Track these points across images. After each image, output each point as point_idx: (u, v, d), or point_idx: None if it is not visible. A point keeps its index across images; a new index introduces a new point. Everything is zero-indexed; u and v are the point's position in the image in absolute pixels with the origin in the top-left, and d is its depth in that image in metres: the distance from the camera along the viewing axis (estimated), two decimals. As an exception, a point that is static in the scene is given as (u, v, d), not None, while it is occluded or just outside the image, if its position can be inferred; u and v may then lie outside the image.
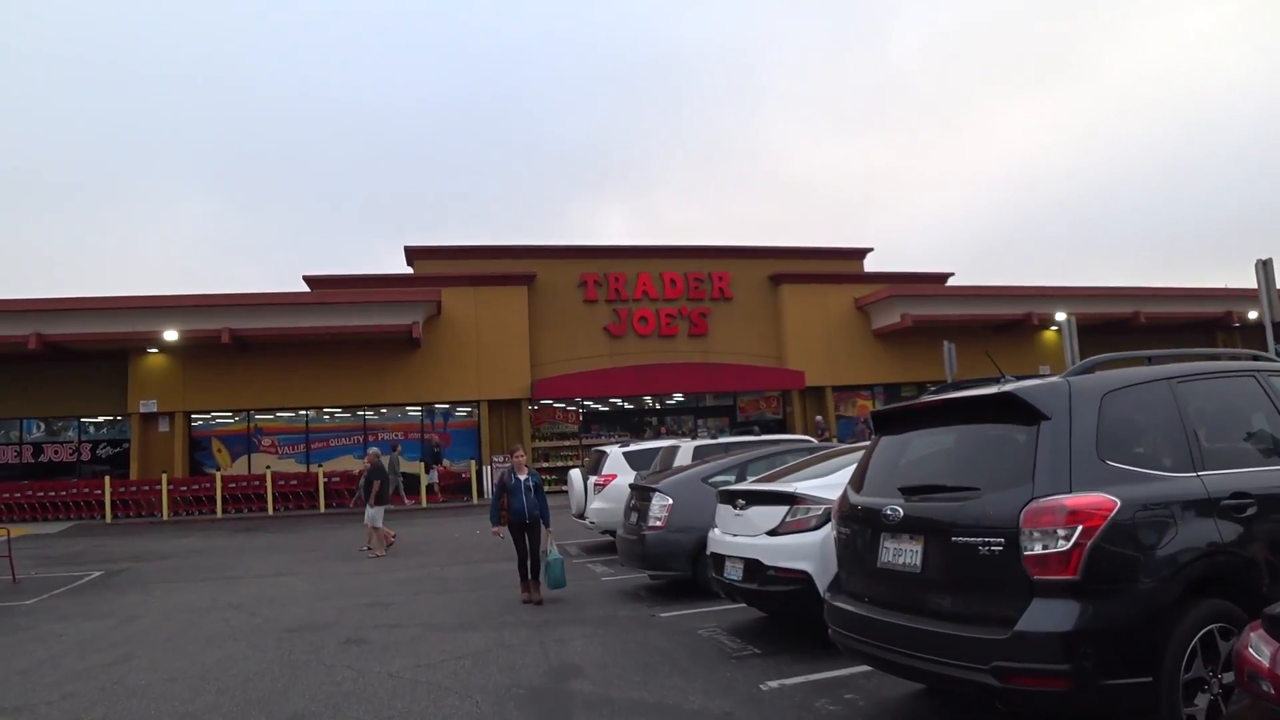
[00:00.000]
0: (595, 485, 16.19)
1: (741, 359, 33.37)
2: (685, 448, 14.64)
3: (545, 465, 31.44)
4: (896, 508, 5.14)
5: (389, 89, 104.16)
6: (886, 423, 5.98)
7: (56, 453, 30.56)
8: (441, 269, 31.29)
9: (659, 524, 10.80)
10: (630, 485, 12.22)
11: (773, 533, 7.80)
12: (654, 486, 11.14)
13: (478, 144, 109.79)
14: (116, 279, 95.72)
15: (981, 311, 34.65)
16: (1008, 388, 4.95)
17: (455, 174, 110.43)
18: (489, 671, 7.90)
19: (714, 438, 15.33)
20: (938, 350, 35.44)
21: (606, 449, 16.89)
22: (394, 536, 18.35)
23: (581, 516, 16.62)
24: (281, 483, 28.42)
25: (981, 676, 4.46)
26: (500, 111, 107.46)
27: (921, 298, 34.02)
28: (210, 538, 22.13)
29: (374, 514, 17.78)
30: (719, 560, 8.57)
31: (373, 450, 19.15)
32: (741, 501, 8.33)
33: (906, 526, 5.06)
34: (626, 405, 34.38)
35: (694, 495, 10.97)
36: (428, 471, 29.38)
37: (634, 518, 11.44)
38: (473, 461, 29.63)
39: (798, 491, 7.75)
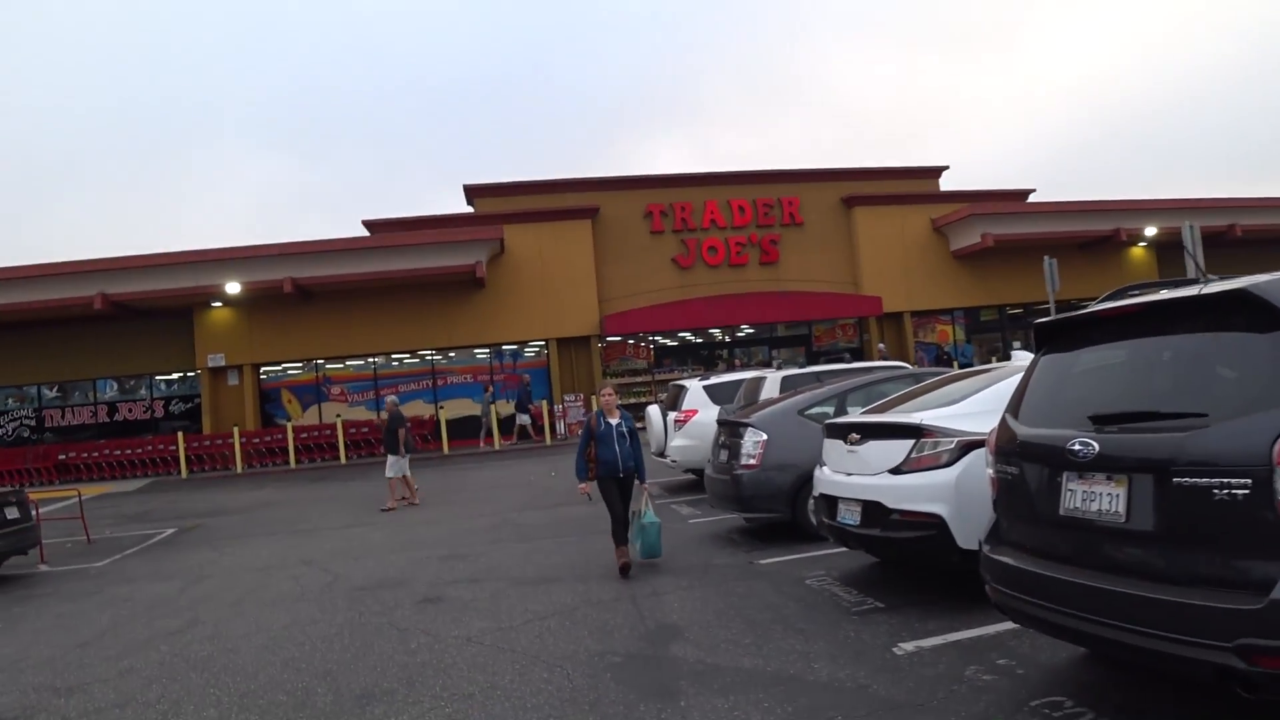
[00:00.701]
0: (675, 422, 15.31)
1: (815, 286, 32.10)
2: (771, 379, 13.63)
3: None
4: (1089, 441, 4.07)
5: (443, 34, 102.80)
6: (1055, 336, 4.89)
7: (131, 411, 30.56)
8: (503, 206, 30.40)
9: (753, 462, 9.86)
10: (719, 421, 11.27)
11: (896, 470, 6.79)
12: (746, 421, 10.18)
13: (532, 87, 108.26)
14: (180, 239, 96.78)
15: (1066, 229, 32.85)
16: (1239, 284, 3.83)
17: (511, 119, 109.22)
18: (578, 634, 7.07)
19: (801, 367, 14.28)
20: (1021, 271, 33.92)
21: (685, 383, 15.96)
22: (413, 493, 17.28)
23: (662, 455, 15.77)
24: (352, 431, 28.08)
25: (1220, 656, 3.42)
26: (551, 52, 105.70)
27: (1003, 215, 32.30)
28: (283, 489, 21.77)
29: (398, 465, 16.88)
30: (829, 503, 7.60)
31: (391, 399, 18.32)
32: (856, 436, 7.32)
33: (1103, 464, 4.00)
34: (695, 339, 33.34)
35: (790, 430, 10.01)
36: (522, 412, 28.74)
37: (724, 456, 10.52)
38: (544, 402, 28.94)
39: (924, 423, 6.71)
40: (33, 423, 30.48)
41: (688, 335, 33.10)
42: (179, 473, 27.05)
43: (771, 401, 11.35)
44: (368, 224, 30.07)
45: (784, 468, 9.80)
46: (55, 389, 30.69)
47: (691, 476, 16.38)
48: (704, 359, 32.49)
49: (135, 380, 30.73)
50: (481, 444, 28.52)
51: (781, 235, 32.31)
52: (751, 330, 33.50)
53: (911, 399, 8.01)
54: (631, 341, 31.71)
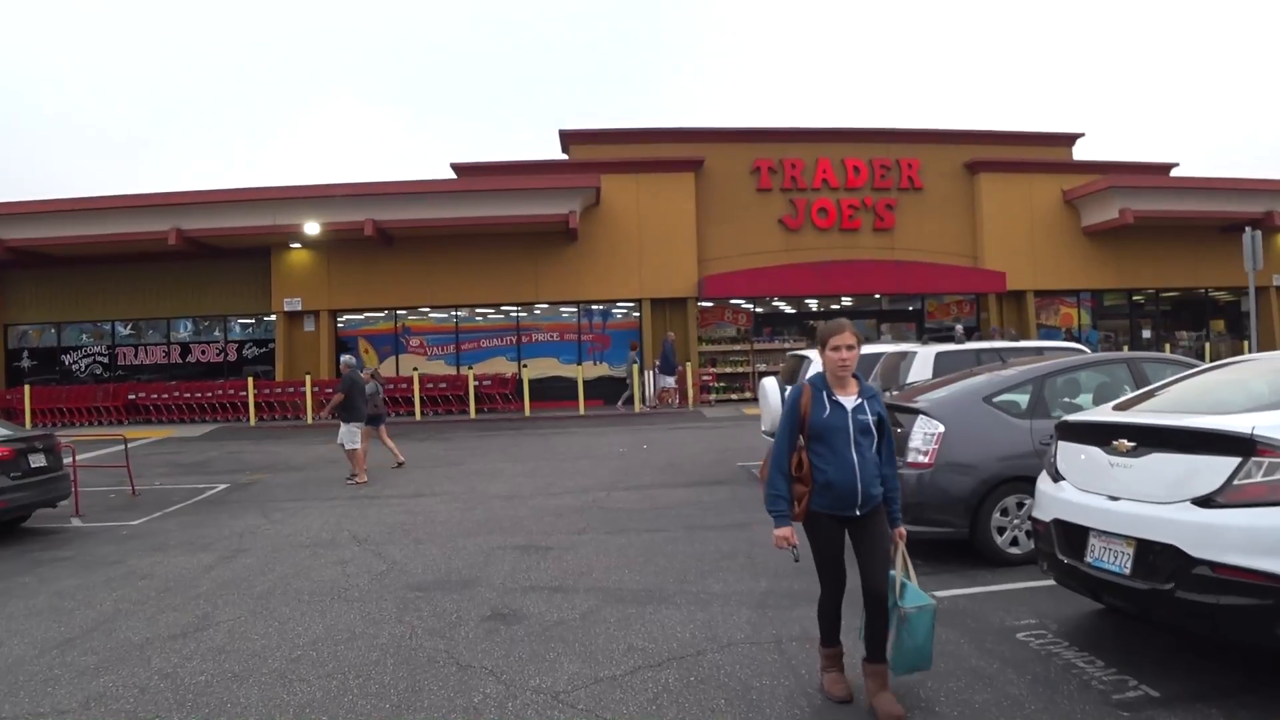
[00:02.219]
0: (795, 399, 13.07)
1: (932, 257, 29.40)
2: (922, 355, 11.33)
3: (713, 371, 28.48)
4: None
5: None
6: None
7: (204, 353, 29.33)
8: (600, 154, 28.22)
9: (924, 460, 7.64)
10: (870, 403, 9.04)
11: (1205, 501, 4.51)
12: (914, 407, 7.96)
13: (632, 32, 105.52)
14: (262, 178, 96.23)
15: (1213, 208, 29.51)
16: None
17: (614, 64, 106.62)
18: (710, 702, 5.00)
19: (960, 342, 11.96)
20: (1157, 251, 30.81)
21: (808, 354, 13.72)
22: (396, 463, 15.62)
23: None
24: (430, 385, 26.41)
25: None
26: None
27: (1145, 190, 29.06)
28: (351, 445, 20.11)
29: (346, 433, 14.81)
30: (1071, 534, 5.38)
31: (346, 359, 15.86)
32: (1127, 443, 5.05)
33: None
34: (787, 308, 30.78)
35: (974, 421, 7.76)
36: (667, 374, 26.80)
37: (879, 448, 8.30)
38: (635, 366, 26.91)
39: (1260, 434, 4.41)
40: (106, 360, 29.45)
41: (781, 304, 30.58)
42: (248, 419, 25.70)
43: (933, 385, 9.08)
44: (456, 167, 28.20)
45: (965, 469, 7.58)
46: (130, 327, 29.60)
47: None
48: (807, 329, 30.03)
49: (210, 321, 29.48)
50: (620, 407, 26.70)
51: (898, 200, 29.62)
52: (850, 302, 30.89)
53: (1183, 394, 5.72)
54: (731, 305, 29.42)
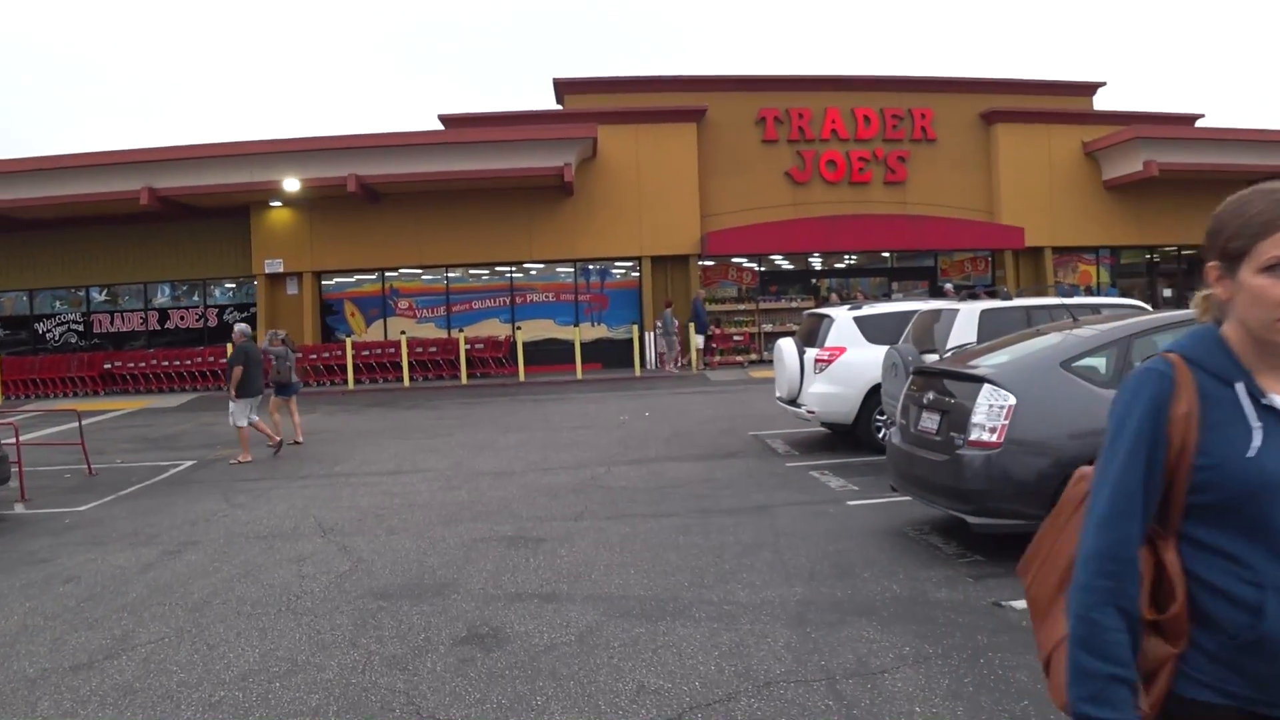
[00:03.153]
0: (816, 362, 11.81)
1: (946, 211, 27.94)
2: (965, 313, 9.99)
3: (716, 332, 27.13)
4: None
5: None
6: None
7: (183, 318, 27.96)
8: (597, 104, 26.65)
9: (991, 438, 6.33)
10: (916, 371, 7.71)
11: None
12: (978, 374, 6.65)
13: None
14: (240, 132, 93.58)
15: (1242, 161, 27.96)
16: None
17: (607, 9, 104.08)
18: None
19: (1006, 298, 10.61)
20: (1180, 207, 29.38)
21: (830, 312, 12.42)
22: (277, 439, 14.06)
23: (793, 402, 12.32)
24: (419, 350, 25.07)
25: None
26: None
27: (1170, 141, 27.56)
28: (333, 415, 18.85)
29: (236, 410, 13.57)
30: None
31: (239, 328, 14.41)
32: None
33: None
34: (793, 266, 29.23)
35: (1051, 391, 6.45)
36: (700, 333, 25.60)
37: (928, 422, 7.00)
38: (634, 326, 25.54)
39: None
40: (81, 328, 28.08)
41: (784, 262, 29.04)
42: (228, 388, 24.33)
43: (989, 348, 7.75)
44: (444, 119, 26.67)
45: (1040, 449, 6.28)
46: (105, 292, 28.21)
47: (823, 430, 13.00)
48: (813, 288, 28.60)
49: (189, 285, 28.08)
50: (668, 367, 25.42)
51: (911, 152, 28.12)
52: (854, 260, 29.39)
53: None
54: (735, 263, 27.99)
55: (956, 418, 6.66)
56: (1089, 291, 29.16)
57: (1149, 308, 10.17)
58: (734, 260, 27.91)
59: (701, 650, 5.10)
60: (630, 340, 25.33)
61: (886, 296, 25.55)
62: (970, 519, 6.43)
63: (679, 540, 7.64)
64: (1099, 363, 6.67)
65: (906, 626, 5.35)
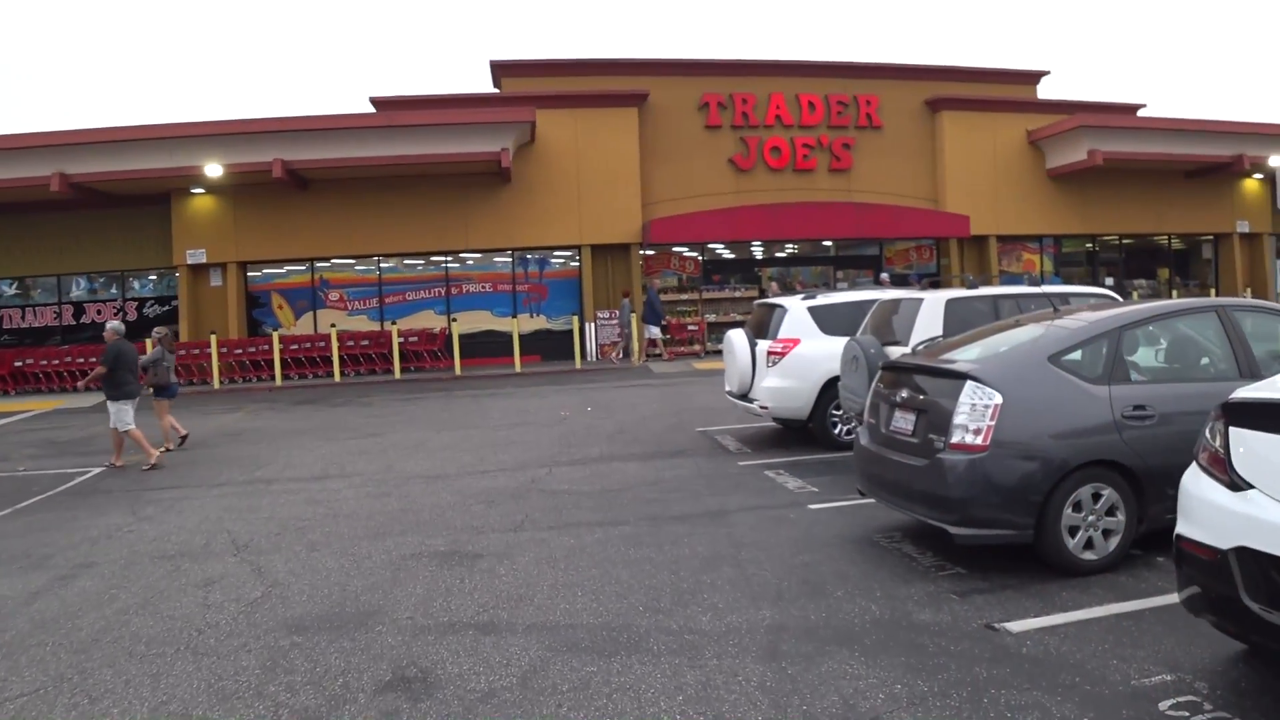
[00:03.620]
0: (769, 354, 11.21)
1: (891, 199, 27.56)
2: (930, 303, 9.40)
3: (672, 322, 26.44)
4: None
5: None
6: None
7: (100, 313, 26.49)
8: (535, 88, 25.79)
9: (976, 441, 5.74)
10: (888, 366, 7.08)
11: None
12: (959, 370, 6.04)
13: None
14: (158, 115, 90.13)
15: (1184, 151, 28.10)
16: None
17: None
18: None
19: (974, 286, 10.06)
20: (1123, 196, 29.44)
21: (782, 302, 11.81)
22: (167, 446, 13.53)
23: (744, 397, 11.70)
24: (350, 343, 24.05)
25: None
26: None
27: (1114, 130, 27.47)
28: (259, 414, 17.85)
29: (116, 413, 12.61)
30: (1276, 573, 3.49)
31: (111, 326, 13.23)
32: None
33: None
34: (737, 255, 28.63)
35: (1039, 388, 5.89)
36: (653, 324, 24.93)
37: (906, 423, 6.40)
38: (574, 317, 24.76)
39: None
40: (-10, 323, 26.60)
41: (725, 252, 28.39)
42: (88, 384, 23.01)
43: (964, 341, 7.17)
44: (376, 101, 25.62)
45: (1029, 452, 5.71)
46: (15, 285, 26.71)
47: (774, 425, 12.42)
48: (757, 277, 28.05)
49: (106, 278, 26.69)
50: (613, 356, 25.08)
51: (856, 139, 27.69)
52: (795, 248, 28.92)
53: None
54: (678, 252, 27.33)
55: (935, 418, 6.06)
56: (1033, 282, 29.05)
57: (1119, 297, 9.70)
58: (676, 249, 27.26)
59: (664, 694, 4.42)
60: (570, 331, 24.56)
61: (827, 286, 25.02)
62: (952, 529, 5.84)
63: (630, 554, 6.96)
64: (1089, 357, 6.10)
65: (893, 658, 4.73)
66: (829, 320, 11.33)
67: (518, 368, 23.57)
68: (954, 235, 27.67)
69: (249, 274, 25.82)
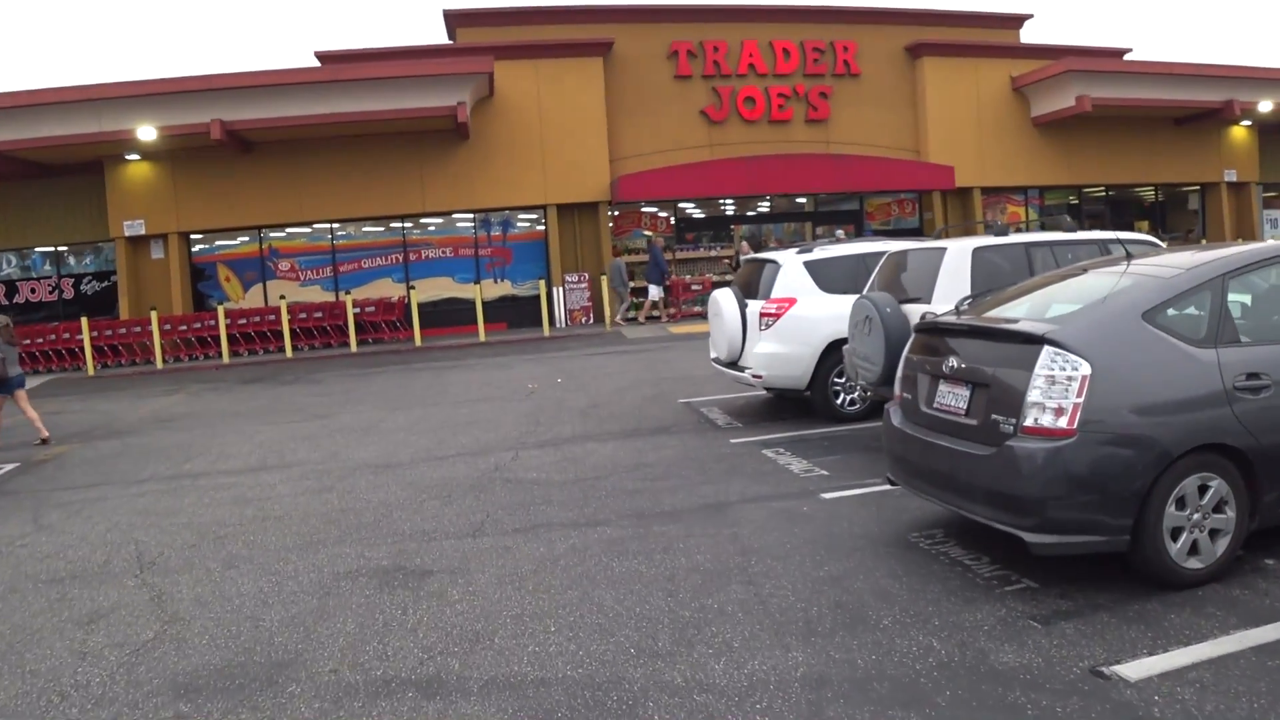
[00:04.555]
0: (762, 316, 9.92)
1: (871, 150, 26.26)
2: (954, 254, 8.04)
3: (631, 285, 25.18)
4: None
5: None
6: None
7: (34, 291, 24.80)
8: (493, 38, 24.17)
9: (1061, 422, 4.47)
10: (927, 328, 5.75)
11: None
12: (1035, 332, 4.74)
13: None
14: (84, 75, 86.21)
15: (1174, 96, 26.97)
16: None
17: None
18: None
19: (1001, 234, 8.74)
20: (1109, 146, 28.30)
21: (776, 257, 10.48)
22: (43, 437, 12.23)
23: (734, 365, 10.43)
24: (303, 315, 22.54)
25: None
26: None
27: (1104, 75, 26.21)
28: (200, 395, 16.39)
29: None
30: None
31: None
32: None
33: None
34: (708, 213, 27.27)
35: (1137, 356, 4.62)
36: (655, 284, 23.92)
37: (958, 399, 5.12)
38: (541, 281, 23.32)
39: None
40: (-88, 304, 24.79)
41: (696, 210, 26.98)
42: (87, 368, 21.51)
43: (1015, 294, 5.89)
44: (321, 56, 23.94)
45: (1128, 436, 4.46)
46: (-62, 262, 24.94)
47: (764, 394, 11.17)
48: (732, 236, 26.69)
49: (39, 254, 24.90)
50: (620, 320, 23.95)
51: (833, 87, 26.29)
52: (767, 206, 27.60)
53: None
54: (648, 210, 25.92)
55: (999, 394, 4.78)
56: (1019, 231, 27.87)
57: (1163, 245, 8.47)
58: (647, 209, 25.84)
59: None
60: (538, 297, 23.12)
61: (799, 243, 23.56)
62: (1028, 537, 4.57)
63: (613, 566, 5.67)
64: (1191, 313, 4.85)
65: (985, 727, 3.47)
66: (828, 276, 10.04)
67: (482, 337, 22.15)
68: (938, 188, 26.45)
69: (193, 245, 24.16)
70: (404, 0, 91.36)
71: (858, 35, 26.47)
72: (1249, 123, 29.72)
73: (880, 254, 9.68)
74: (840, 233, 24.23)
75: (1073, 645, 4.12)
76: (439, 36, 26.46)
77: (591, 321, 24.19)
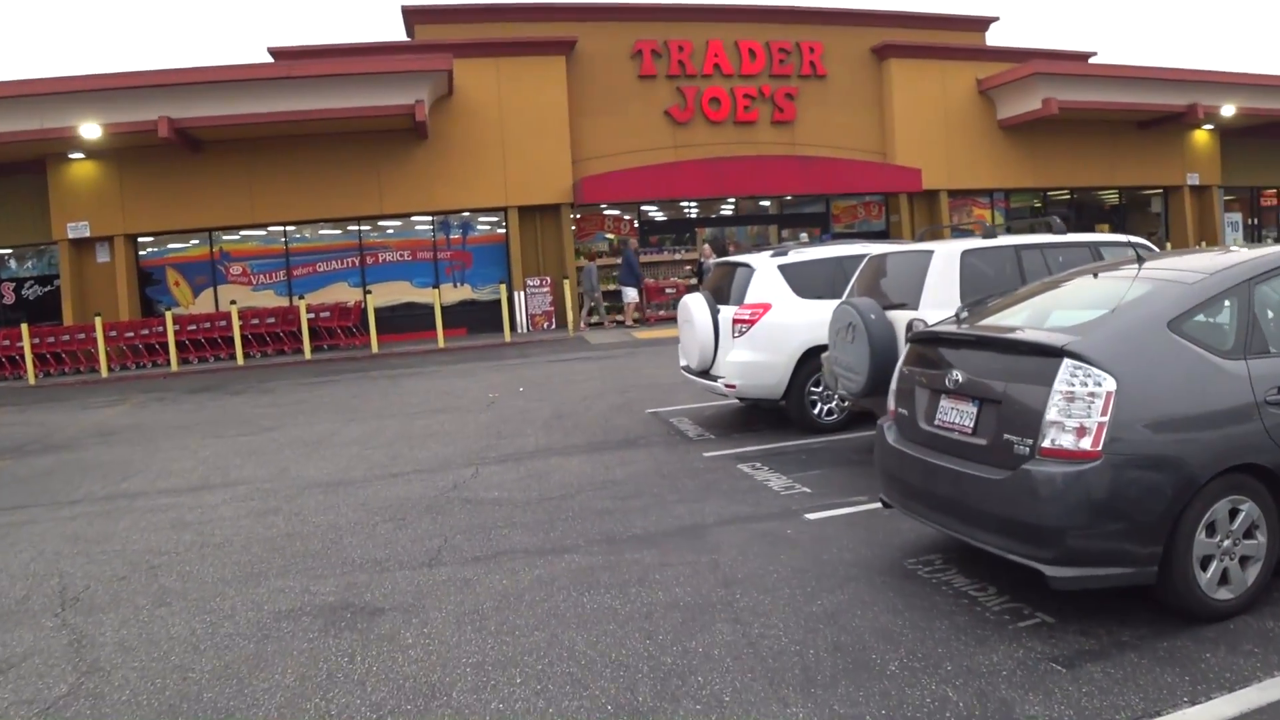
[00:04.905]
0: (735, 323, 9.46)
1: (837, 153, 25.95)
2: (942, 257, 7.59)
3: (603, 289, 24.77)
4: None
5: None
6: None
7: (-25, 297, 23.83)
8: (453, 35, 23.56)
9: (1083, 444, 4.02)
10: (924, 338, 5.27)
11: None
12: (1053, 343, 4.28)
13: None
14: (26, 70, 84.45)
15: (1139, 100, 26.95)
16: None
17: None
18: None
19: (989, 236, 8.31)
20: (1074, 149, 28.25)
21: (749, 260, 10.02)
22: None
23: (706, 374, 9.96)
24: (255, 321, 21.77)
25: None
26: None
27: (1071, 78, 26.09)
28: (145, 406, 15.65)
29: None
30: None
31: None
32: None
33: None
34: (672, 215, 26.79)
35: (1164, 369, 4.19)
36: (629, 286, 23.54)
37: (964, 416, 4.66)
38: (502, 285, 22.74)
39: None
40: None
41: (658, 213, 26.40)
42: (28, 377, 20.60)
43: (1018, 299, 5.46)
44: (275, 52, 23.21)
45: (1157, 459, 4.04)
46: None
47: (735, 402, 10.71)
48: (697, 239, 26.21)
49: (-21, 256, 23.99)
50: (583, 325, 23.68)
51: (799, 89, 25.95)
52: (730, 209, 27.18)
53: None
54: (611, 213, 25.42)
55: (1011, 411, 4.33)
56: (988, 234, 27.66)
57: (1155, 249, 8.09)
58: (609, 212, 25.33)
59: None
60: (499, 301, 22.53)
61: (760, 246, 23.04)
62: (1048, 571, 4.11)
63: (584, 602, 5.15)
64: (1217, 321, 4.43)
65: None
66: (804, 281, 9.59)
67: (441, 343, 21.51)
68: (905, 190, 26.20)
69: (140, 248, 23.30)
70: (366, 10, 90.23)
71: (824, 36, 26.16)
72: (1211, 126, 29.77)
73: (859, 257, 9.25)
74: (804, 236, 23.91)
75: (1105, 694, 3.67)
76: (398, 34, 25.97)
77: (554, 326, 23.66)
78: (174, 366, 20.52)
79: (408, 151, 22.90)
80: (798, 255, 9.88)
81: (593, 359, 17.76)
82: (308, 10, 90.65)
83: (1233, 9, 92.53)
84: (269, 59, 22.97)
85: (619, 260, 24.15)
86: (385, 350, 21.19)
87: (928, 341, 5.18)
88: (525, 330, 23.47)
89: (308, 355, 20.95)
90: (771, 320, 9.32)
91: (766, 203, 27.17)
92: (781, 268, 9.64)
